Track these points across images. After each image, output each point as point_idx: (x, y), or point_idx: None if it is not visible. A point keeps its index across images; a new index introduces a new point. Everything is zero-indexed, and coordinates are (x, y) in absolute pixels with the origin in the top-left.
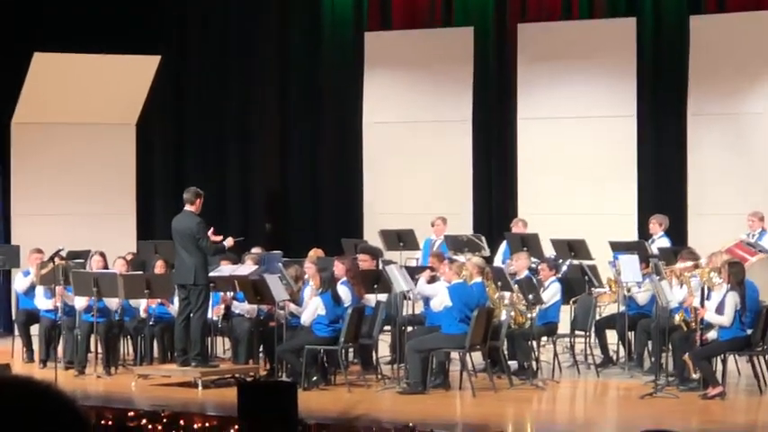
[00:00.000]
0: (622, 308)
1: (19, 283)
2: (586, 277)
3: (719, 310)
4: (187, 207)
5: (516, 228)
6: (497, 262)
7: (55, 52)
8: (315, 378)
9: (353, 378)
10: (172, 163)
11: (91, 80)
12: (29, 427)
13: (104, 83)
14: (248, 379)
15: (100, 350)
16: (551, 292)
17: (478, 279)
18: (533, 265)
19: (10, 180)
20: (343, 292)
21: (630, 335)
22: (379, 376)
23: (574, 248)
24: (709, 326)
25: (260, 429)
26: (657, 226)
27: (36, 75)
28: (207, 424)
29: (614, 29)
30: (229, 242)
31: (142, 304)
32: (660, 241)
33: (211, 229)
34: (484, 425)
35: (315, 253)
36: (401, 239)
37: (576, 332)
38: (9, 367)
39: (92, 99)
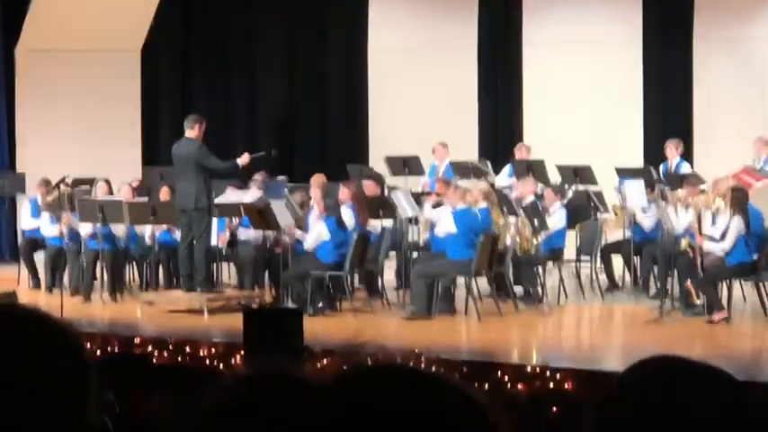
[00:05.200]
0: (628, 233)
1: (25, 222)
2: (592, 203)
3: (724, 235)
4: (187, 133)
5: (519, 153)
6: (501, 180)
7: None
8: (320, 304)
9: (359, 304)
10: (177, 90)
11: (95, 6)
12: (19, 354)
13: (109, 8)
14: (254, 305)
15: (105, 277)
16: (557, 217)
17: (483, 204)
18: (539, 191)
19: (15, 107)
20: (347, 215)
21: (636, 260)
22: (385, 302)
23: (579, 174)
24: (711, 254)
25: (265, 355)
26: (674, 149)
27: (41, 1)
28: (213, 350)
29: None
30: (245, 159)
31: (147, 231)
32: (684, 166)
33: (245, 154)
34: (489, 351)
35: (318, 178)
36: (406, 165)
37: (582, 257)
38: (15, 294)
39: (96, 25)
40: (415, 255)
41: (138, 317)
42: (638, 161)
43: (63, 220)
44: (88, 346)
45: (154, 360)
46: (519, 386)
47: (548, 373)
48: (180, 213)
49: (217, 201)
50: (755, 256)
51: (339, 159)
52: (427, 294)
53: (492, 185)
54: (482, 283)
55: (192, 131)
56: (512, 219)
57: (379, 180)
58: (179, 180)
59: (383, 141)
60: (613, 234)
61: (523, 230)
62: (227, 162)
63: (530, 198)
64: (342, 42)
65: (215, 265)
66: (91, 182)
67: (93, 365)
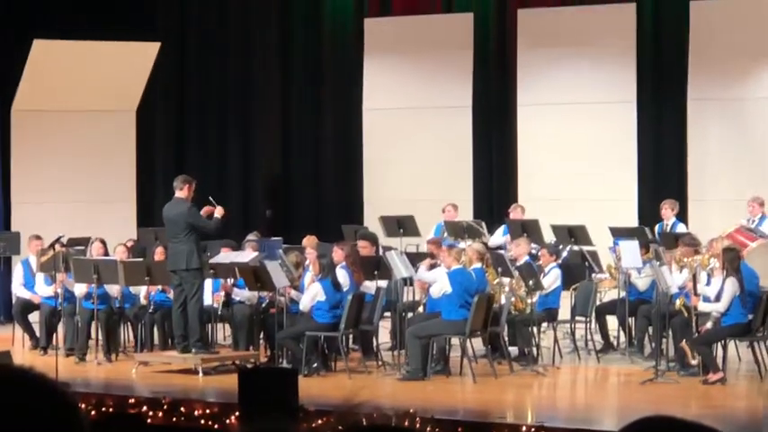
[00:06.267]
0: (623, 293)
1: (18, 290)
2: (587, 263)
3: (719, 296)
4: (177, 194)
5: (514, 213)
6: (495, 241)
7: (55, 39)
8: (315, 365)
9: (354, 365)
10: (172, 150)
11: (91, 67)
12: (13, 415)
13: (104, 70)
14: (249, 366)
15: (100, 337)
16: (552, 277)
17: (478, 265)
18: (533, 251)
19: (10, 167)
20: (342, 276)
21: (631, 320)
22: (380, 363)
23: (574, 234)
24: (705, 315)
25: (260, 416)
26: (670, 211)
27: (36, 62)
28: (207, 411)
29: (614, 14)
30: (219, 211)
31: (142, 291)
32: (679, 227)
33: (219, 207)
34: (485, 411)
35: (310, 240)
36: (401, 225)
37: (577, 318)
38: (10, 355)
39: (92, 86)
40: (409, 315)
41: (132, 377)
42: (632, 221)
43: (58, 281)
44: (83, 405)
45: (149, 420)
46: None
47: None
48: (172, 274)
49: (211, 261)
50: (750, 317)
51: (333, 220)
52: (422, 355)
53: (486, 245)
54: (477, 343)
55: (181, 192)
56: (506, 279)
57: (373, 240)
58: (170, 241)
59: (377, 202)
60: (608, 294)
61: (518, 290)
62: (213, 222)
63: (524, 258)
64: (336, 103)
65: (210, 325)
66: (86, 242)
67: (87, 425)
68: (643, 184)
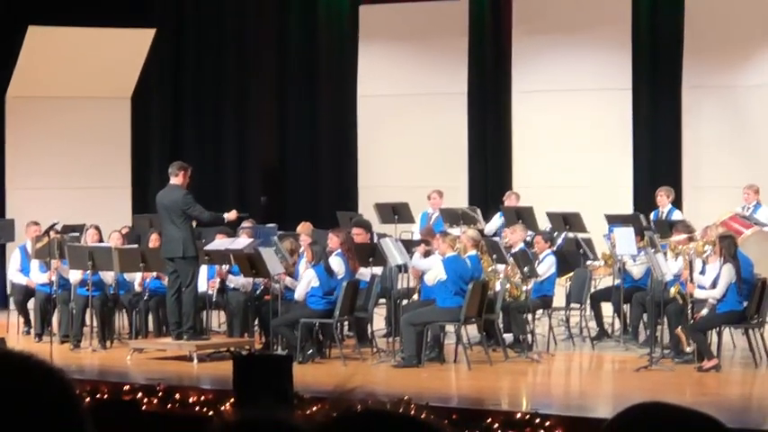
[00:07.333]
0: (617, 281)
1: (14, 276)
2: (582, 250)
3: (715, 283)
4: (172, 180)
5: (509, 200)
6: (491, 227)
7: (49, 26)
8: (310, 351)
9: (348, 351)
10: (167, 137)
11: (86, 54)
12: (10, 400)
13: (99, 56)
14: (243, 352)
15: (95, 324)
16: (546, 265)
17: (473, 252)
18: (528, 238)
19: (4, 154)
20: (336, 263)
21: (626, 308)
22: (375, 349)
23: (569, 221)
24: (700, 302)
25: (255, 402)
26: (665, 198)
27: (31, 48)
28: (202, 397)
29: (610, 1)
30: (232, 215)
31: (137, 278)
32: (675, 214)
33: (233, 211)
34: (479, 398)
35: (305, 226)
36: (396, 212)
37: (572, 305)
38: (4, 341)
39: (87, 73)
40: (404, 302)
41: (127, 364)
42: (627, 208)
43: (52, 268)
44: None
45: (143, 407)
46: None
47: (537, 420)
48: (167, 261)
49: (206, 248)
50: (745, 304)
51: (328, 207)
52: (417, 342)
53: (481, 232)
54: (472, 330)
55: (176, 178)
56: (500, 266)
57: (367, 227)
58: (164, 228)
59: (372, 189)
60: (603, 281)
61: (513, 277)
62: (212, 213)
63: (519, 245)
64: (331, 90)
65: (205, 312)
66: (81, 228)
67: (86, 411)
68: (638, 172)
